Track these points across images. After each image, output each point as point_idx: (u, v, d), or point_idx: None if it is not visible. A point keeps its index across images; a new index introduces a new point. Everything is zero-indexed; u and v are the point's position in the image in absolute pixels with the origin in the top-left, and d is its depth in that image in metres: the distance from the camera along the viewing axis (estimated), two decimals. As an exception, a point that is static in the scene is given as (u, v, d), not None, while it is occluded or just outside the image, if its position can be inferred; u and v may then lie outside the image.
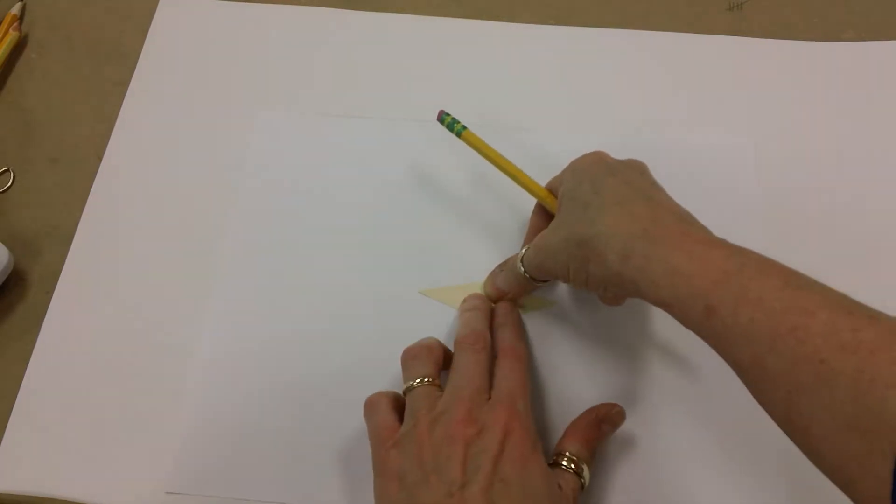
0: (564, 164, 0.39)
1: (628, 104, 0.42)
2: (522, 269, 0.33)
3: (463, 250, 0.38)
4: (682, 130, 0.41)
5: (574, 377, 0.35)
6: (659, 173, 0.39)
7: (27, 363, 0.36)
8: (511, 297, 0.35)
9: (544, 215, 0.35)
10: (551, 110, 0.42)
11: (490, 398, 0.29)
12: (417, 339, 0.32)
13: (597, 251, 0.27)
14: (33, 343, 0.36)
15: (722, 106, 0.42)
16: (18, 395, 0.35)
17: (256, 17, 0.46)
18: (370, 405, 0.31)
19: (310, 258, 0.38)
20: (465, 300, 0.36)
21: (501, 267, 0.35)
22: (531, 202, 0.39)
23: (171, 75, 0.44)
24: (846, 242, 0.38)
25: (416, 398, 0.30)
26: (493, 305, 0.35)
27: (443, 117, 0.35)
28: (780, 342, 0.22)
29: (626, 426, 0.33)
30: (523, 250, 0.33)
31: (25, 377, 0.35)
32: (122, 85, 0.43)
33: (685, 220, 0.28)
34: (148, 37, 0.45)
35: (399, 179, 0.40)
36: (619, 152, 0.41)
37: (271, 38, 0.45)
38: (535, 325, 0.36)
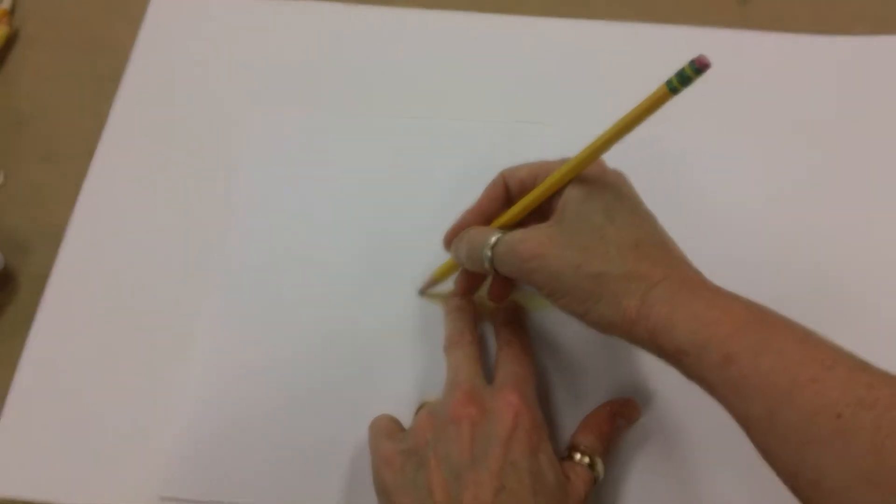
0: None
1: (636, 98, 0.42)
2: (489, 258, 0.30)
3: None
4: (690, 124, 0.41)
5: (577, 377, 0.34)
6: (665, 168, 0.39)
7: (17, 366, 0.35)
8: (461, 282, 0.34)
9: (501, 195, 0.32)
10: (557, 104, 0.42)
11: (493, 385, 0.29)
12: (417, 342, 0.32)
13: (613, 291, 0.26)
14: (23, 345, 0.36)
15: (731, 100, 0.42)
16: (8, 399, 0.35)
17: (251, 12, 0.45)
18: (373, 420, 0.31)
19: (307, 259, 0.37)
20: (447, 301, 0.35)
21: (461, 239, 0.32)
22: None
23: (164, 71, 0.43)
24: (851, 240, 0.37)
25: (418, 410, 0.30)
26: (476, 305, 0.35)
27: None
28: (797, 394, 0.22)
29: (639, 422, 0.32)
30: (493, 237, 0.30)
31: (15, 380, 0.35)
32: (115, 81, 0.43)
33: (692, 266, 0.28)
34: (141, 32, 0.44)
35: (400, 177, 0.40)
36: (625, 146, 0.40)
37: (267, 32, 0.44)
38: (535, 325, 0.36)
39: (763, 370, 0.23)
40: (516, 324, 0.34)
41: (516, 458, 0.26)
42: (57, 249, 0.38)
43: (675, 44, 0.43)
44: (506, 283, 0.33)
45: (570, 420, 0.33)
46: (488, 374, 0.31)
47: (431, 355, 0.35)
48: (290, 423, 0.34)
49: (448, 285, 0.36)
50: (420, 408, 0.31)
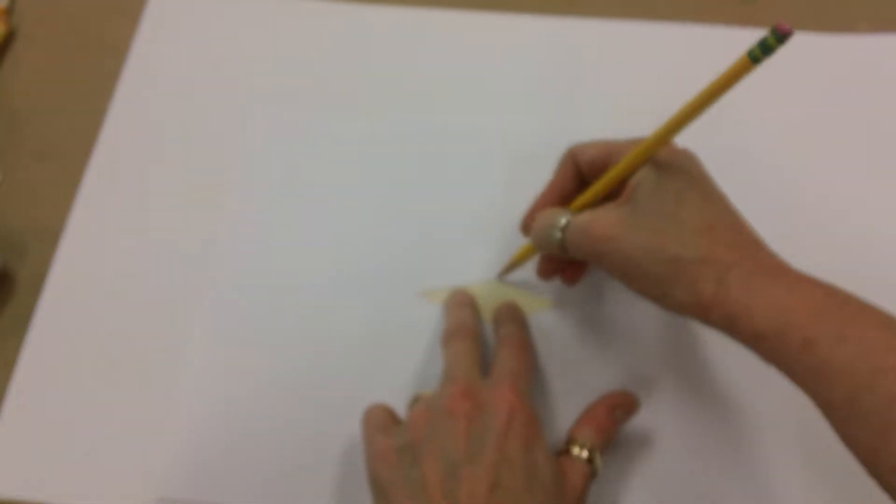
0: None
1: (637, 96, 0.42)
2: (559, 240, 0.30)
3: (463, 252, 0.37)
4: (693, 125, 0.41)
5: (577, 378, 0.34)
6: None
7: (14, 366, 0.35)
8: (541, 267, 0.34)
9: (574, 175, 0.32)
10: (555, 102, 0.41)
11: (488, 379, 0.29)
12: (416, 342, 0.32)
13: (689, 276, 0.26)
14: (21, 345, 0.36)
15: (734, 98, 0.41)
16: (6, 399, 0.35)
17: (250, 10, 0.45)
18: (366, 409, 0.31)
19: (307, 258, 0.37)
20: (449, 297, 0.35)
21: (530, 221, 0.32)
22: (530, 200, 0.39)
23: (162, 69, 0.43)
24: (853, 238, 0.37)
25: (412, 403, 0.30)
26: (478, 302, 0.35)
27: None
28: (880, 379, 0.22)
29: (633, 423, 0.32)
30: (563, 219, 0.30)
31: (13, 380, 0.35)
32: (112, 80, 0.42)
33: (768, 249, 0.27)
34: (139, 30, 0.44)
35: (400, 178, 0.39)
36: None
37: (265, 31, 0.44)
38: (535, 325, 0.35)
39: (844, 356, 0.23)
40: (515, 320, 0.34)
41: (511, 453, 0.26)
42: (54, 249, 0.38)
43: (676, 42, 0.43)
44: (578, 267, 0.33)
45: (569, 420, 0.33)
46: (486, 370, 0.31)
47: (432, 356, 0.35)
48: (288, 424, 0.34)
49: (449, 284, 0.36)
50: (414, 400, 0.31)
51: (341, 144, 0.40)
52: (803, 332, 0.24)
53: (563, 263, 0.34)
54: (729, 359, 0.34)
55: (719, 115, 0.40)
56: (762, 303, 0.25)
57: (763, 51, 0.23)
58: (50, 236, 0.38)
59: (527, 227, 0.33)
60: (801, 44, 0.43)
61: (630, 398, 0.32)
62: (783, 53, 0.42)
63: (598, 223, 0.28)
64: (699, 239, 0.26)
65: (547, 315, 0.36)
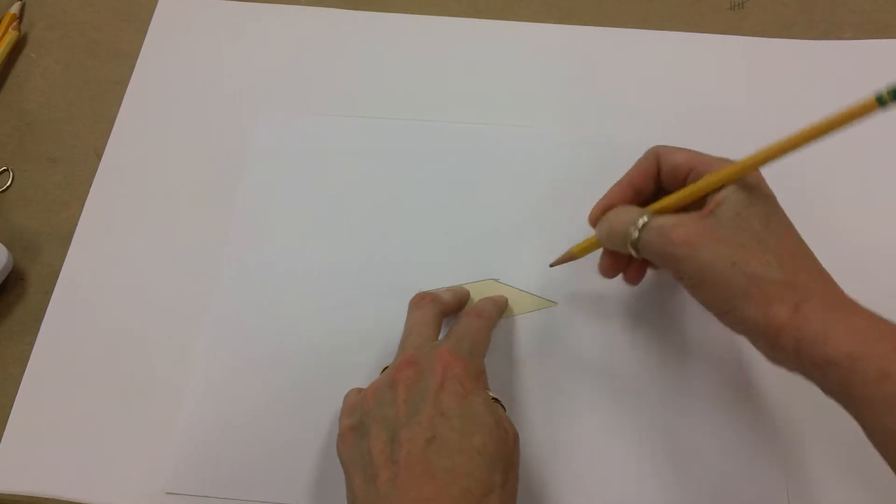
0: (564, 161, 0.40)
1: (628, 104, 0.42)
2: (635, 239, 0.29)
3: (463, 252, 0.38)
4: (683, 130, 0.41)
5: (577, 378, 0.35)
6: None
7: (26, 364, 0.36)
8: (604, 263, 0.33)
9: (653, 174, 0.31)
10: (550, 109, 0.42)
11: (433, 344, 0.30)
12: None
13: (766, 295, 0.26)
14: (32, 343, 0.36)
15: (723, 105, 0.42)
16: (17, 396, 0.35)
17: (257, 17, 0.45)
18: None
19: (310, 259, 0.38)
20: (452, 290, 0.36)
21: (606, 216, 0.31)
22: (530, 204, 0.39)
23: (170, 75, 0.43)
24: (846, 243, 0.38)
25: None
26: (467, 293, 0.36)
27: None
28: None
29: (634, 424, 0.33)
30: (642, 219, 0.29)
31: (24, 377, 0.35)
32: (122, 84, 0.43)
33: (840, 288, 0.27)
34: (147, 36, 0.45)
35: (400, 179, 0.40)
36: (617, 151, 0.41)
37: (272, 37, 0.45)
38: (535, 326, 0.36)
39: None
40: (490, 300, 0.35)
41: (446, 407, 0.27)
42: (66, 250, 0.38)
43: (667, 49, 0.44)
44: (642, 267, 0.33)
45: (569, 417, 0.34)
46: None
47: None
48: (293, 421, 0.34)
49: (449, 283, 0.37)
50: (383, 370, 0.31)
51: (345, 149, 0.41)
52: (882, 363, 0.24)
53: (628, 262, 0.33)
54: (730, 361, 0.35)
55: (707, 120, 0.41)
56: (841, 331, 0.25)
57: (893, 96, 0.23)
58: (61, 238, 0.39)
59: (595, 218, 0.32)
60: (790, 50, 0.44)
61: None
62: (773, 59, 0.44)
63: (682, 228, 0.28)
64: (784, 263, 0.26)
65: (548, 315, 0.36)
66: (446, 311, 0.33)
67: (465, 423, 0.26)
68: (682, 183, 0.30)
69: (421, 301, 0.33)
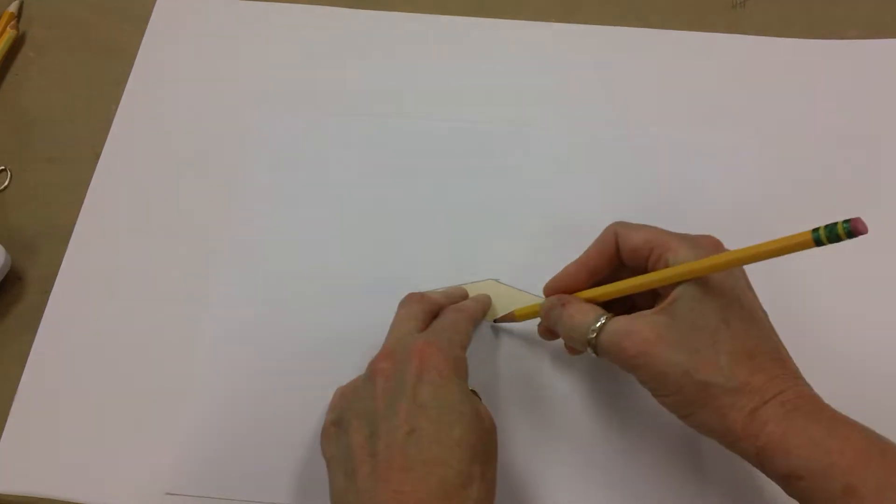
0: (566, 162, 0.40)
1: (630, 102, 0.42)
2: (593, 344, 0.28)
3: (463, 252, 0.38)
4: (684, 129, 0.41)
5: (575, 378, 0.35)
6: (660, 172, 0.40)
7: (25, 363, 0.36)
8: (543, 334, 0.33)
9: (611, 255, 0.30)
10: (553, 107, 0.42)
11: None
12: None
13: (721, 403, 0.25)
14: (31, 343, 0.36)
15: (724, 104, 0.42)
16: (16, 396, 0.35)
17: (255, 15, 0.45)
18: None
19: (310, 259, 0.38)
20: (451, 290, 0.36)
21: (560, 310, 0.30)
22: (530, 204, 0.39)
23: (169, 73, 0.43)
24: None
25: None
26: (464, 293, 0.36)
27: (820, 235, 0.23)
28: None
29: (627, 433, 0.33)
30: (597, 323, 0.28)
31: (23, 378, 0.35)
32: (120, 83, 0.43)
33: (805, 382, 0.27)
34: (146, 35, 0.45)
35: (400, 179, 0.40)
36: (618, 150, 0.41)
37: (270, 36, 0.45)
38: (531, 327, 0.35)
39: None
40: (475, 298, 0.35)
41: (424, 398, 0.26)
42: (64, 249, 0.38)
43: (669, 48, 0.44)
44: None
45: (567, 418, 0.34)
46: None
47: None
48: (293, 421, 0.34)
49: (449, 284, 0.37)
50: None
51: (343, 147, 0.41)
52: (845, 478, 0.23)
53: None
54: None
55: (710, 119, 0.41)
56: (801, 442, 0.24)
57: (829, 237, 0.22)
58: (59, 237, 0.39)
59: (550, 291, 0.32)
60: (793, 49, 0.44)
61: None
62: (775, 58, 0.44)
63: (633, 337, 0.27)
64: (737, 366, 0.26)
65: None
66: (434, 310, 0.33)
67: (443, 413, 0.26)
68: (644, 261, 0.29)
69: (409, 299, 0.33)
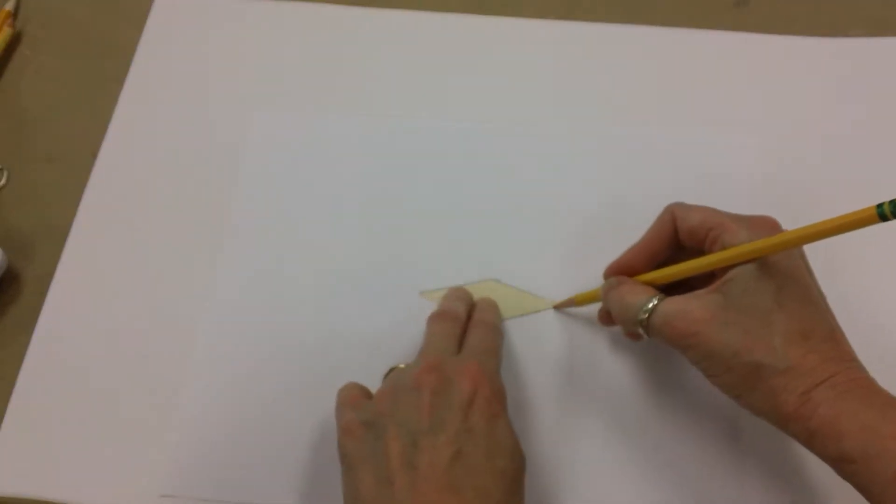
0: (566, 161, 0.40)
1: (633, 100, 0.42)
2: (644, 325, 0.29)
3: (464, 252, 0.38)
4: (687, 127, 0.41)
5: (575, 379, 0.35)
6: (663, 170, 0.39)
7: (20, 365, 0.36)
8: (603, 320, 0.33)
9: (670, 236, 0.30)
10: (554, 107, 0.42)
11: (457, 357, 0.30)
12: (417, 342, 0.32)
13: (772, 385, 0.26)
14: (27, 344, 0.36)
15: (727, 102, 0.42)
16: (12, 398, 0.35)
17: (255, 14, 0.45)
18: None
19: (309, 258, 0.38)
20: (448, 291, 0.36)
21: (614, 291, 0.31)
22: (530, 204, 0.39)
23: (167, 72, 0.43)
24: (851, 239, 0.37)
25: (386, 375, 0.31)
26: (475, 300, 0.35)
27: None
28: None
29: (633, 424, 0.33)
30: (649, 304, 0.29)
31: (19, 379, 0.35)
32: (118, 82, 0.43)
33: (860, 364, 0.27)
34: (144, 32, 0.44)
35: (400, 179, 0.40)
36: (622, 148, 0.40)
37: (269, 34, 0.44)
38: (533, 326, 0.36)
39: None
40: (491, 307, 0.35)
41: (473, 424, 0.26)
42: (61, 249, 0.38)
43: (671, 46, 0.43)
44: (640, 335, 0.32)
45: (567, 420, 0.34)
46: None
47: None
48: (290, 422, 0.34)
49: (450, 284, 0.36)
50: (389, 372, 0.31)
51: (343, 147, 0.41)
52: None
53: None
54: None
55: (712, 118, 0.41)
56: (853, 426, 0.24)
57: (894, 212, 0.22)
58: (56, 237, 0.38)
59: (611, 274, 0.32)
60: (796, 47, 0.43)
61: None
62: (778, 56, 0.43)
63: (685, 317, 0.27)
64: (790, 347, 0.26)
65: (547, 316, 0.36)
66: (465, 327, 0.33)
67: (490, 443, 0.26)
68: (701, 243, 0.29)
69: (444, 315, 0.33)
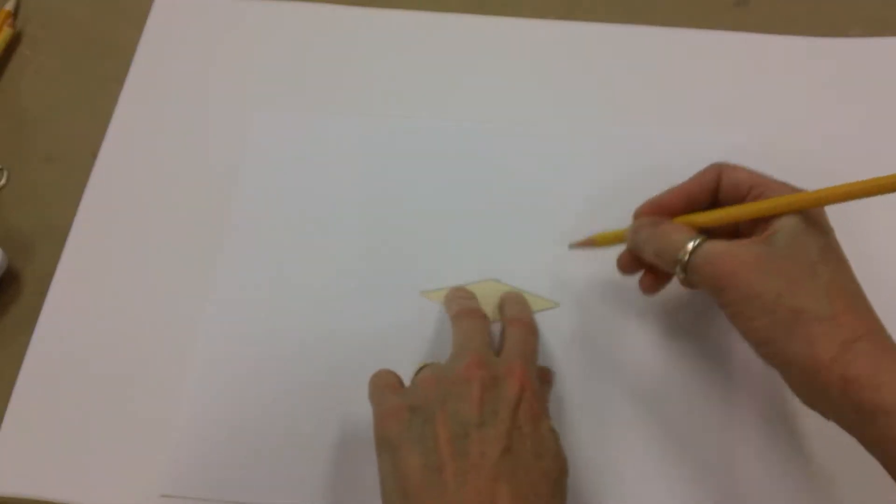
0: (566, 161, 0.40)
1: (633, 100, 0.42)
2: (684, 263, 0.28)
3: (464, 252, 0.38)
4: (687, 127, 0.41)
5: (578, 379, 0.35)
6: (663, 170, 0.39)
7: (20, 365, 0.36)
8: (624, 262, 0.33)
9: (711, 187, 0.30)
10: (554, 107, 0.42)
11: (500, 356, 0.30)
12: (417, 341, 0.32)
13: (811, 331, 0.25)
14: (27, 344, 0.36)
15: (728, 102, 0.42)
16: (12, 397, 0.35)
17: (255, 14, 0.45)
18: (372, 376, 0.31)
19: (309, 258, 0.38)
20: (450, 291, 0.36)
21: (652, 229, 0.30)
22: (530, 204, 0.39)
23: (167, 72, 0.43)
24: (849, 240, 0.37)
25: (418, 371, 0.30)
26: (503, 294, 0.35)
27: None
28: None
29: (637, 425, 0.33)
30: (692, 243, 0.28)
31: (19, 379, 0.35)
32: (118, 82, 0.43)
33: (888, 333, 0.27)
34: (144, 33, 0.44)
35: (400, 179, 0.40)
36: (622, 148, 0.40)
37: (270, 34, 0.44)
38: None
39: None
40: (521, 303, 0.35)
41: (522, 423, 0.27)
42: (61, 249, 0.38)
43: (671, 46, 0.43)
44: (665, 278, 0.32)
45: (570, 420, 0.34)
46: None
47: (433, 354, 0.35)
48: (290, 422, 0.34)
49: (450, 283, 0.36)
50: (421, 368, 0.31)
51: (343, 146, 0.41)
52: None
53: (645, 266, 0.33)
54: (730, 362, 0.35)
55: (713, 117, 0.41)
56: (892, 378, 0.24)
57: None
58: (56, 237, 0.38)
59: (640, 214, 0.32)
60: (796, 47, 0.43)
61: (546, 372, 0.34)
62: (778, 56, 0.43)
63: (729, 258, 0.27)
64: (834, 298, 0.26)
65: (549, 315, 0.36)
66: (487, 320, 0.33)
67: (536, 444, 0.27)
68: (742, 199, 0.29)
69: (473, 313, 0.33)
